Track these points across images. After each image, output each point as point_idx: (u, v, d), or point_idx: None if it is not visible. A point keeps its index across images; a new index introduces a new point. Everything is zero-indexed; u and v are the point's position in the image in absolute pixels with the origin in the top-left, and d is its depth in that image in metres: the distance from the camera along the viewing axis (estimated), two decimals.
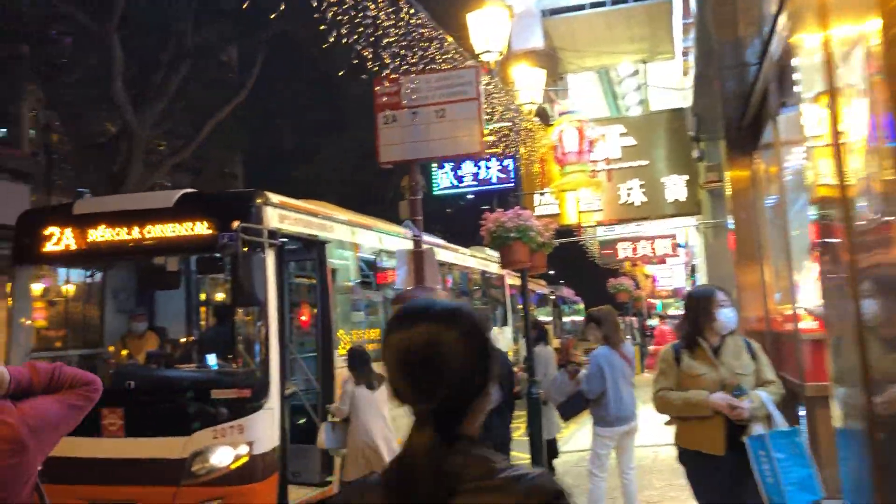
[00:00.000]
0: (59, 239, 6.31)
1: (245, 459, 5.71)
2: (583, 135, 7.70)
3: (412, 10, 5.01)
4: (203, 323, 8.42)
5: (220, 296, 8.47)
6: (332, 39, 4.48)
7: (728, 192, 8.28)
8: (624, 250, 18.89)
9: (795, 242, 6.35)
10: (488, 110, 5.42)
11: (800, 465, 3.54)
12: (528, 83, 8.38)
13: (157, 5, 15.49)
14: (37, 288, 7.10)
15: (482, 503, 1.16)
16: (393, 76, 4.93)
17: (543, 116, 11.24)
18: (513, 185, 12.18)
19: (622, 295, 22.19)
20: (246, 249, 5.69)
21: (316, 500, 6.63)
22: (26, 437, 2.10)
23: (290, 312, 6.87)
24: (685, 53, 9.07)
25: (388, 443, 6.52)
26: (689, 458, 3.88)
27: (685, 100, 12.06)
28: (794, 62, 4.50)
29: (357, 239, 8.10)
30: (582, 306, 32.01)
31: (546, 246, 7.97)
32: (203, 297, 8.49)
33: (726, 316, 3.84)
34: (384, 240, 8.73)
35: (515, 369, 8.37)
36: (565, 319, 27.13)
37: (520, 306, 16.04)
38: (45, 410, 2.21)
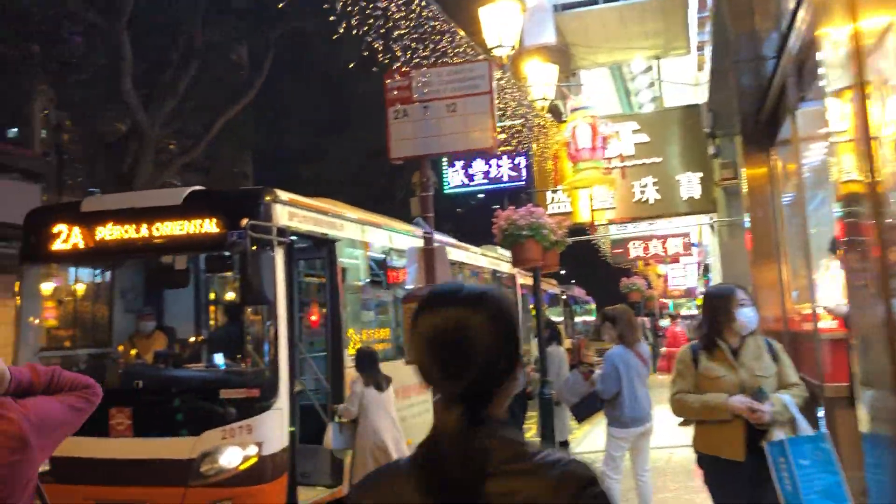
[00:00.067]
0: (68, 237, 6.27)
1: (254, 460, 5.66)
2: (596, 131, 7.58)
3: (424, 3, 4.91)
4: (212, 322, 8.36)
5: (229, 295, 8.41)
6: (341, 30, 4.39)
7: (744, 189, 8.15)
8: (635, 249, 18.73)
9: (814, 240, 6.23)
10: (500, 106, 5.32)
11: (827, 472, 3.37)
12: (540, 79, 8.28)
13: (167, 4, 15.49)
14: (45, 287, 7.06)
15: (514, 488, 1.16)
16: (404, 69, 4.83)
17: (556, 113, 11.13)
18: (524, 183, 12.06)
19: (634, 294, 22.03)
20: (255, 248, 5.63)
21: (325, 501, 6.56)
22: (28, 434, 2.06)
23: (299, 311, 6.80)
24: (700, 48, 8.94)
25: (396, 443, 6.48)
26: (708, 462, 3.74)
27: (699, 96, 11.92)
28: (817, 56, 4.36)
29: (367, 237, 8.03)
30: (593, 306, 31.86)
31: (559, 244, 7.88)
32: (212, 295, 8.44)
33: (746, 315, 3.68)
34: (394, 238, 8.66)
35: (527, 369, 8.28)
36: (577, 319, 26.96)
37: (531, 306, 15.93)
38: (47, 408, 2.18)
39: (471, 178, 12.31)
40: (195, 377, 6.51)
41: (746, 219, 8.60)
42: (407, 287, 5.88)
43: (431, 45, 5.10)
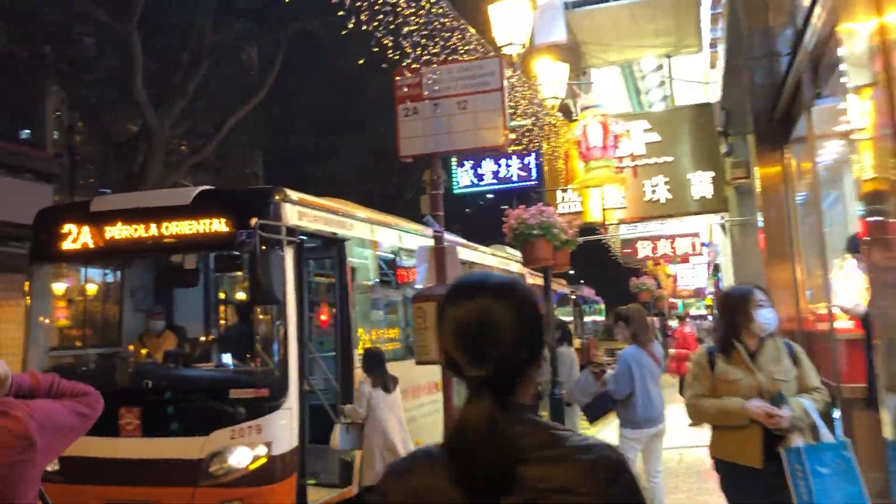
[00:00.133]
0: (77, 237, 6.26)
1: (263, 460, 5.63)
2: (607, 129, 7.51)
3: None
4: (221, 322, 8.35)
5: (238, 294, 8.39)
6: (351, 25, 4.35)
7: (757, 188, 8.07)
8: (644, 249, 18.59)
9: (830, 239, 6.15)
10: (511, 105, 5.27)
11: (847, 481, 3.23)
12: (550, 78, 8.22)
13: (177, 4, 15.53)
14: (54, 286, 7.06)
15: (548, 473, 1.17)
16: (414, 66, 4.79)
17: (566, 112, 11.06)
18: (534, 183, 11.99)
19: (644, 294, 21.88)
20: (264, 247, 5.60)
21: (335, 501, 6.52)
22: (34, 433, 2.05)
23: (309, 311, 6.77)
24: (713, 45, 8.85)
25: (404, 444, 6.45)
26: (725, 468, 3.62)
27: (711, 94, 11.83)
28: (838, 52, 4.28)
29: (376, 237, 7.99)
30: (603, 306, 31.74)
31: (569, 243, 7.82)
32: (221, 295, 8.42)
33: (765, 317, 3.55)
34: (404, 237, 8.63)
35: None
36: (586, 319, 26.86)
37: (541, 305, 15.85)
38: (51, 410, 2.16)
39: (480, 177, 12.23)
40: (204, 377, 6.48)
41: (759, 218, 8.52)
42: (416, 286, 5.84)
43: (441, 42, 5.06)
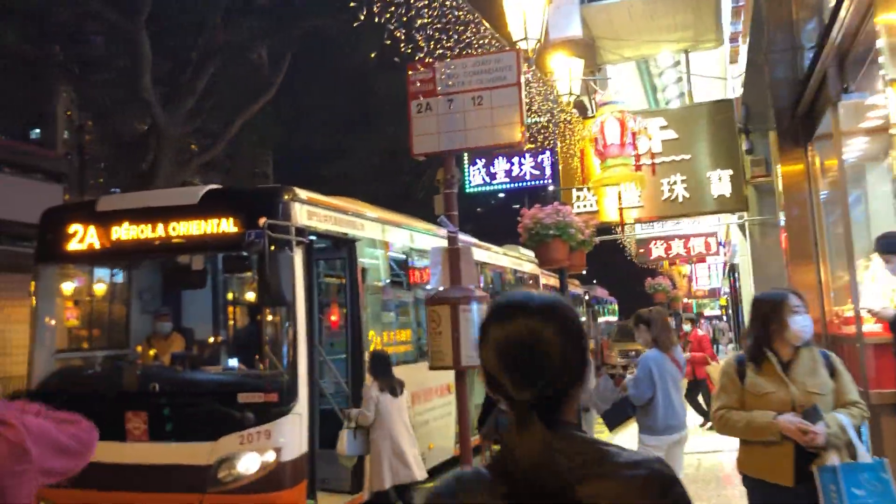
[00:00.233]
0: (83, 237, 6.17)
1: (272, 466, 5.50)
2: (625, 126, 7.32)
3: None
4: (230, 323, 8.24)
5: (247, 296, 8.28)
6: (362, 17, 4.20)
7: (779, 187, 7.86)
8: (657, 249, 18.34)
9: (857, 239, 5.95)
10: (525, 100, 5.10)
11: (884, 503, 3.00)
12: (566, 74, 8.06)
13: (187, 2, 15.48)
14: (60, 287, 6.96)
15: (601, 490, 1.18)
16: (427, 60, 4.62)
17: (581, 109, 10.88)
18: (547, 182, 11.82)
19: (660, 295, 21.67)
20: (273, 247, 5.49)
21: None
22: (29, 444, 1.93)
23: (319, 313, 6.64)
24: (734, 39, 8.65)
25: (411, 449, 6.35)
26: (753, 485, 3.38)
27: (730, 90, 11.61)
28: (877, 44, 4.07)
29: (388, 237, 7.86)
30: (616, 307, 31.50)
31: (586, 244, 7.65)
32: (230, 296, 8.31)
33: (801, 324, 3.26)
34: (416, 237, 8.50)
35: None
36: (600, 320, 26.63)
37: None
38: (43, 425, 2.03)
39: (493, 176, 12.08)
40: (212, 380, 6.37)
41: (781, 217, 8.31)
42: (429, 288, 5.68)
43: (455, 36, 4.90)
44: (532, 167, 11.73)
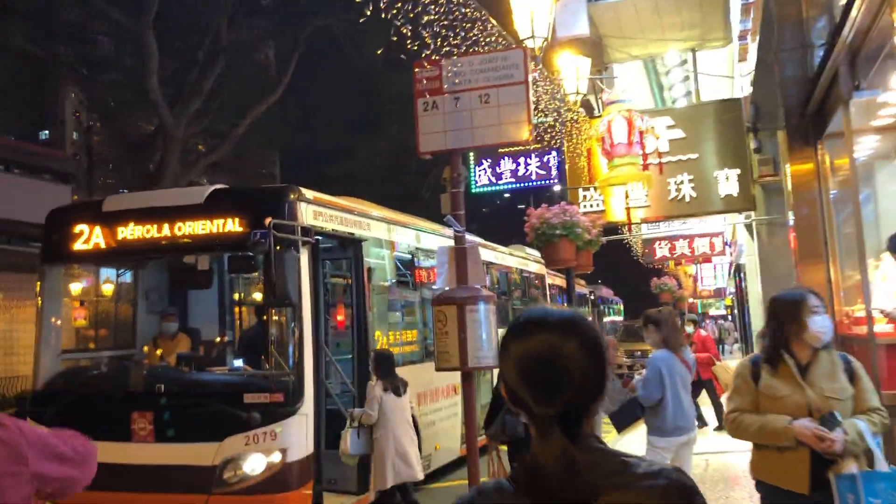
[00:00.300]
0: (89, 237, 6.15)
1: (278, 467, 5.48)
2: (632, 125, 7.27)
3: None
4: (236, 324, 8.22)
5: (252, 296, 8.26)
6: (368, 12, 4.17)
7: (788, 186, 7.79)
8: (661, 249, 18.24)
9: (867, 238, 5.89)
10: (532, 99, 5.05)
11: None
12: (572, 72, 8.01)
13: (193, 3, 15.49)
14: (66, 287, 6.96)
15: (624, 500, 1.20)
16: (434, 58, 4.59)
17: (588, 108, 10.82)
18: (553, 182, 11.79)
19: (665, 295, 21.58)
20: (279, 247, 5.46)
21: None
22: (24, 445, 1.91)
23: (325, 313, 6.61)
24: (742, 37, 8.58)
25: (413, 448, 6.38)
26: (766, 491, 3.27)
27: (738, 89, 11.53)
28: (895, 40, 4.01)
29: (394, 237, 7.83)
30: (622, 307, 31.43)
31: (592, 244, 7.61)
32: (236, 296, 8.30)
33: (820, 325, 3.12)
34: (422, 237, 8.47)
35: None
36: (605, 320, 26.57)
37: (562, 307, 15.60)
38: (39, 429, 2.02)
39: (498, 176, 12.06)
40: (218, 381, 6.35)
41: (790, 217, 8.23)
42: (436, 288, 5.65)
43: (462, 34, 4.86)
44: (538, 167, 11.70)
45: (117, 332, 7.70)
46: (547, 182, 11.96)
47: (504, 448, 6.06)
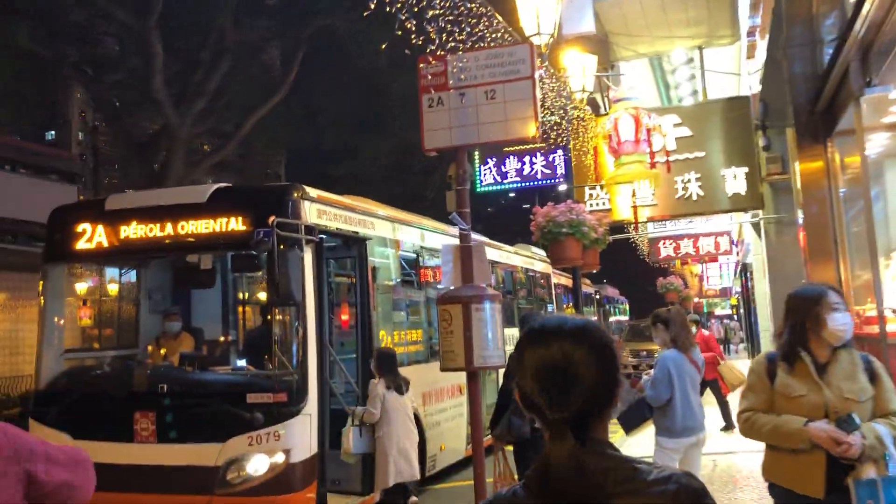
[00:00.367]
0: (91, 236, 6.12)
1: (282, 468, 5.43)
2: (639, 123, 7.20)
3: None
4: (239, 323, 8.18)
5: (256, 295, 8.21)
6: (373, 6, 4.11)
7: (797, 184, 7.71)
8: (665, 248, 18.13)
9: (879, 237, 5.81)
10: (539, 96, 4.99)
11: None
12: (579, 70, 7.94)
13: (198, 2, 15.48)
14: (68, 286, 6.92)
15: None
16: (439, 53, 4.52)
17: (594, 106, 10.75)
18: (558, 181, 11.72)
19: (671, 294, 21.49)
20: (282, 246, 5.42)
21: None
22: (10, 445, 1.90)
23: (329, 312, 6.56)
24: (751, 33, 8.50)
25: (413, 447, 6.39)
26: (779, 494, 3.15)
27: (745, 86, 11.44)
28: None
29: (398, 235, 7.78)
30: (627, 306, 31.34)
31: (599, 242, 7.54)
32: (239, 296, 8.25)
33: (840, 322, 2.97)
34: (427, 236, 8.41)
35: None
36: (611, 319, 26.49)
37: (567, 306, 15.56)
38: (24, 434, 1.99)
39: (504, 175, 12.01)
40: (221, 381, 6.31)
41: (799, 215, 8.15)
42: (441, 286, 5.59)
43: (468, 29, 4.79)
44: (543, 166, 11.63)
45: (120, 331, 7.67)
46: (552, 181, 11.89)
47: (510, 449, 6.00)
